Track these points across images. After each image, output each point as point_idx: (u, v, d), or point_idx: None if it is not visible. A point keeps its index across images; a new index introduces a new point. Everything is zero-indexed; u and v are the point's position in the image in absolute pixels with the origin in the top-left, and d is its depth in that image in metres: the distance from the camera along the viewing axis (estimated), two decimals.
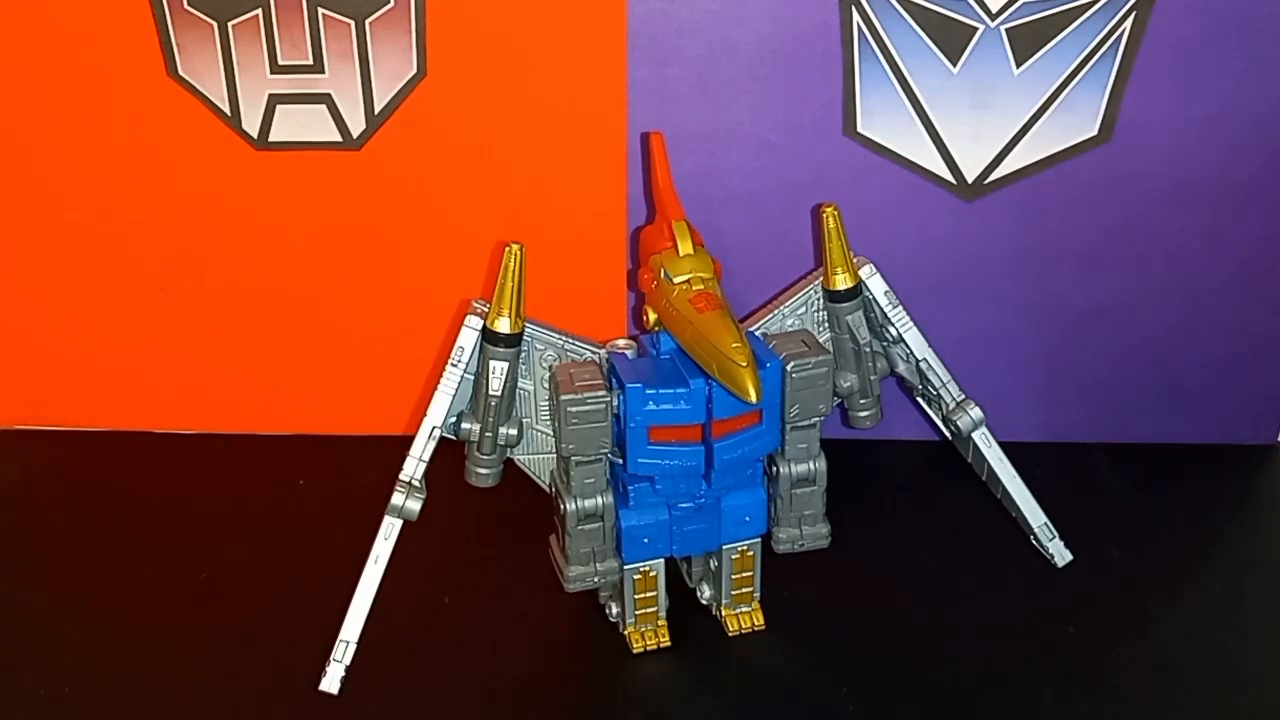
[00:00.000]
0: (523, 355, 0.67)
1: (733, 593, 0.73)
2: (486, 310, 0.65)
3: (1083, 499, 0.85)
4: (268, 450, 0.91)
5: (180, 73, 0.81)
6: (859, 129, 0.81)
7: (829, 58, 0.79)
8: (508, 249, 0.64)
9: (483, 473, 0.68)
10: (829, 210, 0.68)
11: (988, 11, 0.77)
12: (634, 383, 0.65)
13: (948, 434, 0.75)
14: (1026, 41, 0.78)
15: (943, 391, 0.73)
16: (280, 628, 0.73)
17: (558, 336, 0.68)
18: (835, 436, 0.73)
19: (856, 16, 0.78)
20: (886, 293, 0.70)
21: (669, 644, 0.72)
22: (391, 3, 0.78)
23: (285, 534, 0.82)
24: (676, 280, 0.64)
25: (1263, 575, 0.79)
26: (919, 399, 0.75)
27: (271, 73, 0.80)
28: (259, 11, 0.78)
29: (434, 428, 0.66)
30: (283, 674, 0.70)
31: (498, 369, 0.65)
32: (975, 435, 0.73)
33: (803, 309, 0.71)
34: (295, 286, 0.87)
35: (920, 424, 0.83)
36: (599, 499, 0.67)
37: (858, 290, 0.69)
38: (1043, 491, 0.76)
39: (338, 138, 0.82)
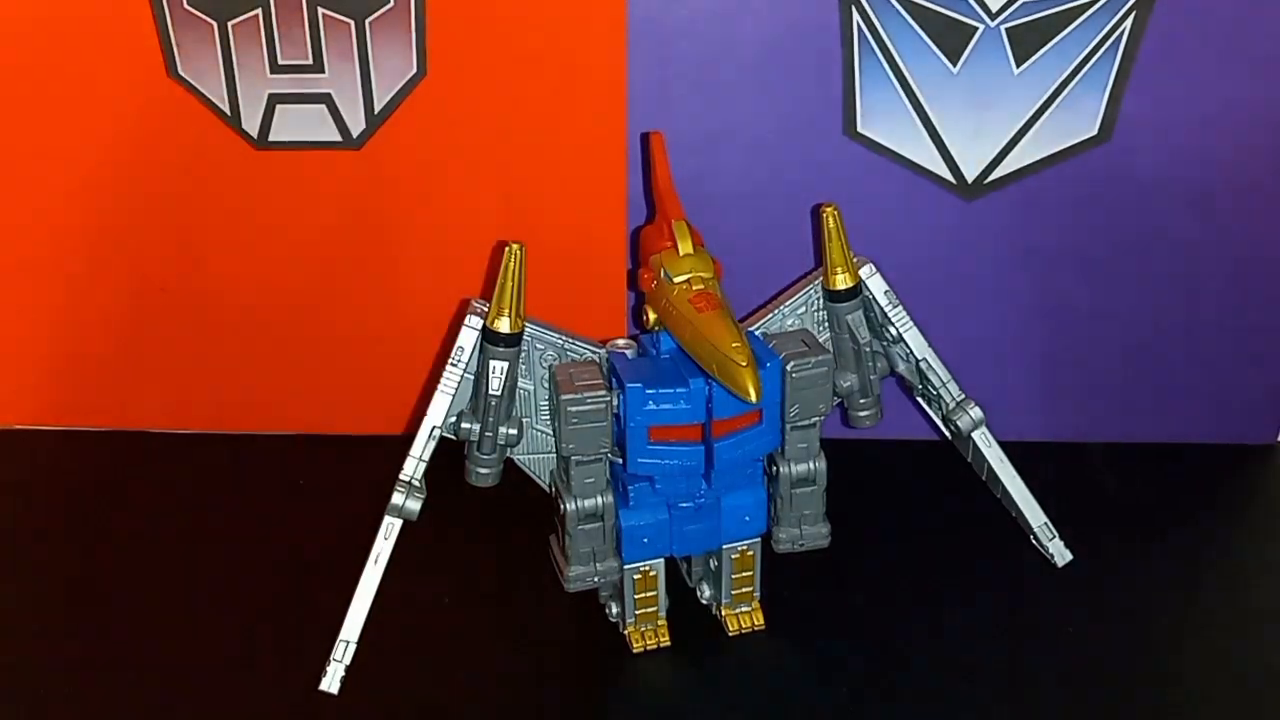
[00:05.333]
0: (523, 355, 0.67)
1: (733, 593, 0.73)
2: (486, 310, 0.65)
3: (1083, 499, 0.85)
4: (268, 450, 0.91)
5: (180, 73, 0.81)
6: (859, 129, 0.81)
7: (829, 58, 0.79)
8: (508, 249, 0.64)
9: (483, 473, 0.68)
10: (829, 210, 0.68)
11: (988, 11, 0.77)
12: (634, 383, 0.65)
13: (948, 434, 0.75)
14: (1026, 41, 0.78)
15: (943, 391, 0.73)
16: (280, 628, 0.73)
17: (558, 336, 0.68)
18: (835, 436, 0.73)
19: (856, 16, 0.78)
20: (886, 292, 0.70)
21: (669, 644, 0.72)
22: (391, 3, 0.78)
23: (285, 534, 0.82)
24: (676, 280, 0.64)
25: (1262, 575, 0.79)
26: (919, 399, 0.75)
27: (271, 72, 0.80)
28: (259, 11, 0.78)
29: (434, 428, 0.66)
30: (283, 674, 0.70)
31: (498, 369, 0.65)
32: (975, 435, 0.73)
33: (803, 309, 0.71)
34: (295, 286, 0.87)
35: (920, 424, 0.83)
36: (599, 499, 0.67)
37: (858, 290, 0.69)
38: (1043, 491, 0.76)
39: (338, 138, 0.82)
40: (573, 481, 0.67)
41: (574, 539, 0.68)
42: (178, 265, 0.87)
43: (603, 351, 0.69)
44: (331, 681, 0.67)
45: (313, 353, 0.90)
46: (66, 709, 0.68)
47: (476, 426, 0.67)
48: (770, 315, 0.71)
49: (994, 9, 0.77)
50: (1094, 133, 0.81)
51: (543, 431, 0.70)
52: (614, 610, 0.73)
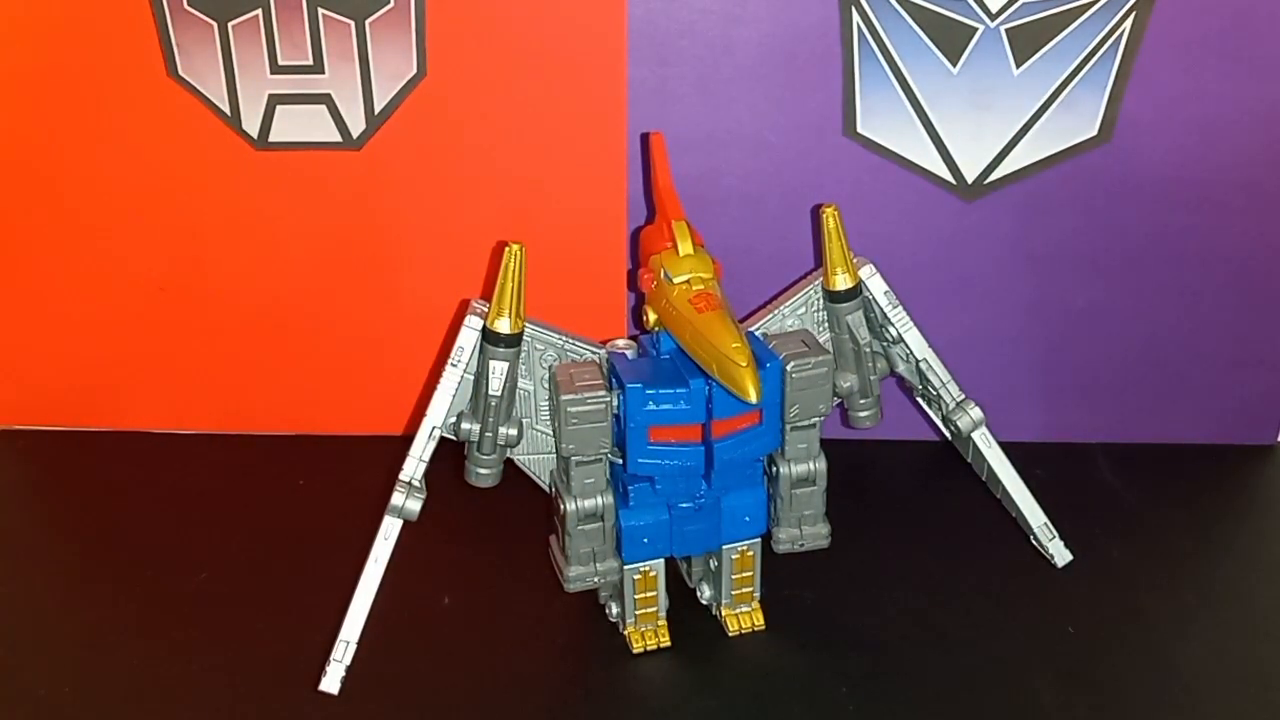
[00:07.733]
0: (523, 355, 0.67)
1: (733, 593, 0.73)
2: (486, 310, 0.65)
3: (1083, 499, 0.85)
4: (268, 450, 0.91)
5: (180, 73, 0.81)
6: (859, 129, 0.81)
7: (829, 58, 0.79)
8: (508, 249, 0.64)
9: (483, 473, 0.68)
10: (829, 210, 0.68)
11: (988, 11, 0.77)
12: (634, 383, 0.65)
13: (948, 434, 0.75)
14: (1026, 41, 0.78)
15: (943, 391, 0.73)
16: (280, 628, 0.73)
17: (558, 336, 0.68)
18: (835, 436, 0.73)
19: (856, 16, 0.78)
20: (886, 293, 0.70)
21: (669, 644, 0.72)
22: (391, 3, 0.78)
23: (285, 534, 0.82)
24: (676, 280, 0.64)
25: (1263, 575, 0.79)
26: (919, 399, 0.75)
27: (271, 73, 0.80)
28: (259, 11, 0.78)
29: (434, 428, 0.66)
30: (283, 674, 0.70)
31: (498, 369, 0.65)
32: (975, 435, 0.73)
33: (803, 309, 0.71)
34: (295, 286, 0.87)
35: (920, 424, 0.83)
36: (599, 499, 0.67)
37: (858, 290, 0.69)
38: (1043, 491, 0.76)
39: (338, 138, 0.82)
40: (573, 482, 0.67)
41: (574, 539, 0.68)
42: (177, 265, 0.87)
43: (603, 351, 0.69)
44: (331, 681, 0.67)
45: (313, 353, 0.90)
46: (66, 709, 0.68)
47: (476, 427, 0.67)
48: (770, 315, 0.71)
49: (994, 9, 0.77)
50: (1094, 133, 0.81)
51: (543, 432, 0.70)
52: (614, 610, 0.73)
